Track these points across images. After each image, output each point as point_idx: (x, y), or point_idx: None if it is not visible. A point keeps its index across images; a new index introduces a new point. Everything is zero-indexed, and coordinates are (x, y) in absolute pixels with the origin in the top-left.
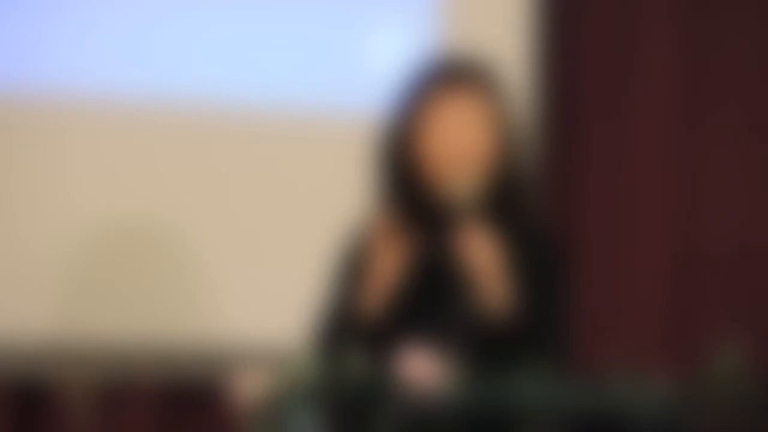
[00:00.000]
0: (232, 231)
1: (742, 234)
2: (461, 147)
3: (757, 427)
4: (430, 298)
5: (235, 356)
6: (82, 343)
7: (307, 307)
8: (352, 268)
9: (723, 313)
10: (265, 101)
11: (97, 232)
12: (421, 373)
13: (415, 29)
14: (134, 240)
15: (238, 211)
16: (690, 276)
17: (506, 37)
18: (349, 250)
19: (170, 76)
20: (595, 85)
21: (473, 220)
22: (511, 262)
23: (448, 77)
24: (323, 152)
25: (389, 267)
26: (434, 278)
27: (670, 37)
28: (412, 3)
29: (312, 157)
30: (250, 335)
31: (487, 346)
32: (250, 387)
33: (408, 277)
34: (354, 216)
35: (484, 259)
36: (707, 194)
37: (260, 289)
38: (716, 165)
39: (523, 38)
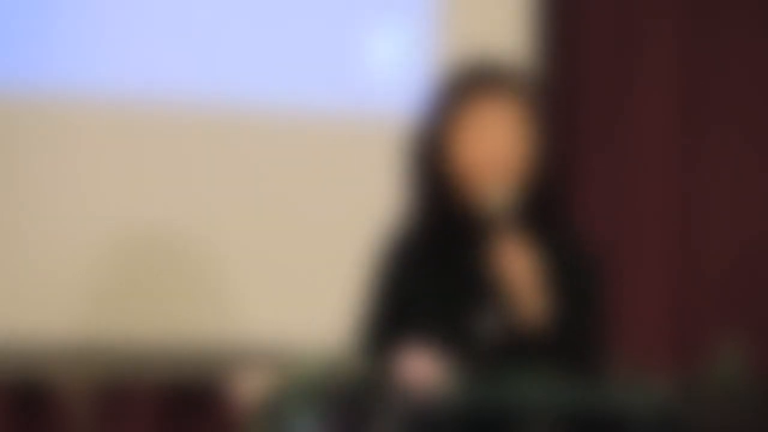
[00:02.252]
0: (233, 231)
1: (742, 235)
2: (497, 154)
3: (757, 427)
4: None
5: (236, 356)
6: (82, 344)
7: (308, 306)
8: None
9: (723, 313)
10: (285, 104)
11: (100, 233)
12: (422, 374)
13: (417, 30)
14: (135, 241)
15: (244, 212)
16: (690, 277)
17: (507, 39)
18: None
19: (183, 77)
20: (596, 89)
21: (510, 230)
22: (547, 273)
23: (480, 83)
24: (337, 156)
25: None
26: (468, 290)
27: (671, 44)
28: (415, 3)
29: (326, 161)
30: (251, 335)
31: (519, 357)
32: (252, 387)
33: (441, 288)
34: (365, 219)
35: (521, 270)
36: (708, 196)
37: (261, 289)
38: (717, 168)
39: (524, 40)
